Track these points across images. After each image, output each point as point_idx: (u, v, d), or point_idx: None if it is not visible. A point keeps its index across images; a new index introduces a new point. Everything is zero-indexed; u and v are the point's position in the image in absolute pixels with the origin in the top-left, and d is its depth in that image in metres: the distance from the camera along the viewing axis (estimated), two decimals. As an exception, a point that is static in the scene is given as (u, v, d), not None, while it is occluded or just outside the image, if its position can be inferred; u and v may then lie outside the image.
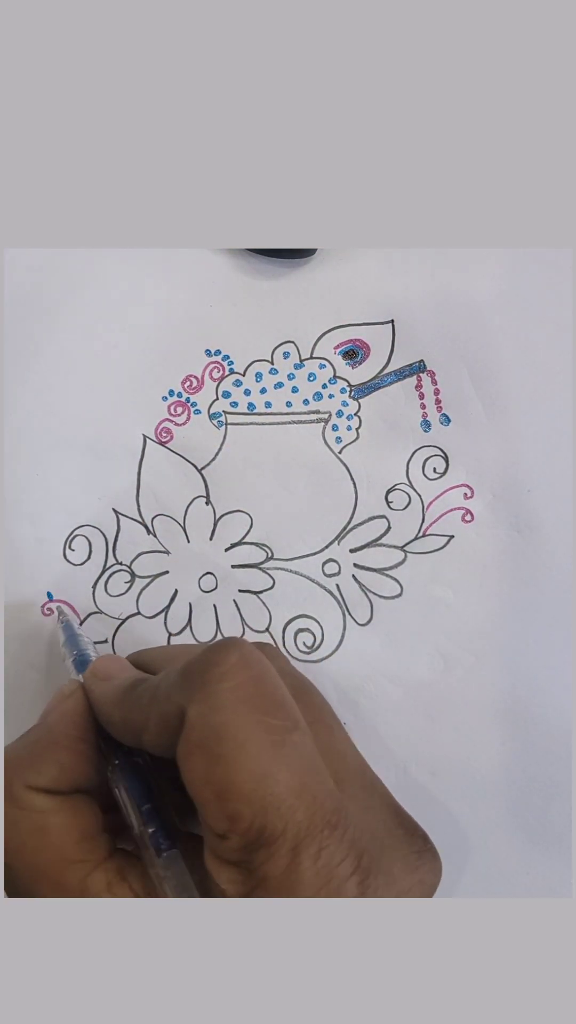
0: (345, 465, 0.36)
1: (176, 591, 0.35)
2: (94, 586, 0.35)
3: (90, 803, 0.27)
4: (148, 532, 0.36)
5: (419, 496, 0.36)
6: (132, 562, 0.35)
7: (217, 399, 0.36)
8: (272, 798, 0.22)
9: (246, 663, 0.24)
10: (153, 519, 0.36)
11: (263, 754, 0.22)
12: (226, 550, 0.36)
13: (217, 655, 0.24)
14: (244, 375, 0.36)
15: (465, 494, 0.36)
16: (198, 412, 0.36)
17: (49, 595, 0.35)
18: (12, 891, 0.25)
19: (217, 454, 0.36)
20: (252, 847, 0.22)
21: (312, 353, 0.37)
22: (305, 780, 0.23)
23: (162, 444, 0.36)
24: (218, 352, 0.37)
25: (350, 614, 0.36)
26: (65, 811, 0.26)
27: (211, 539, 0.36)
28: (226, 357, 0.37)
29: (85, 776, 0.27)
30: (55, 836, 0.25)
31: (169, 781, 0.26)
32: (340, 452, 0.36)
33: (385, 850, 0.24)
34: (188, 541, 0.36)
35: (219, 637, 0.35)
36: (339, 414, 0.37)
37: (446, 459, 0.36)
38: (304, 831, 0.22)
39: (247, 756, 0.22)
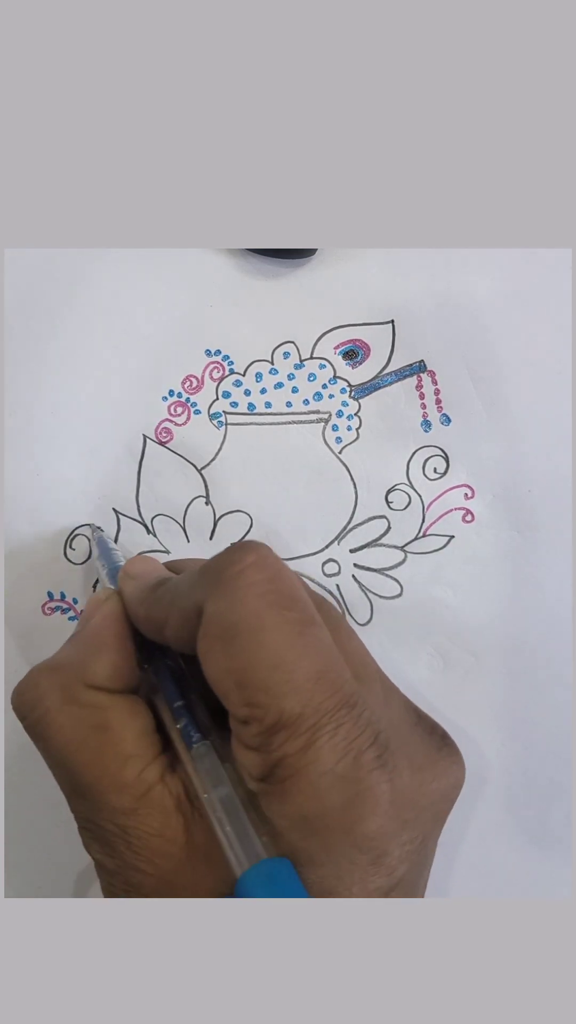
0: (345, 465, 0.36)
1: (176, 591, 0.35)
2: (94, 586, 0.35)
3: (141, 702, 0.27)
4: (148, 532, 0.36)
5: (419, 496, 0.36)
6: (132, 562, 0.35)
7: (217, 399, 0.36)
8: (289, 684, 0.22)
9: (264, 562, 0.24)
10: (153, 519, 0.36)
11: (280, 643, 0.23)
12: (226, 550, 0.36)
13: (235, 554, 0.24)
14: (244, 375, 0.36)
15: (465, 494, 0.36)
16: (198, 412, 0.36)
17: (49, 595, 0.35)
18: (69, 790, 0.26)
19: (217, 454, 0.36)
20: (272, 731, 0.22)
21: (312, 353, 0.37)
22: (322, 668, 0.23)
23: (162, 444, 0.36)
24: (218, 352, 0.37)
25: (350, 614, 0.36)
26: (121, 708, 0.26)
27: (211, 539, 0.36)
28: (226, 357, 0.37)
29: (134, 675, 0.27)
30: (114, 732, 0.26)
31: (200, 680, 0.27)
32: (340, 452, 0.36)
33: (405, 739, 0.25)
34: (188, 541, 0.36)
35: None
36: (339, 414, 0.37)
37: (446, 459, 0.36)
38: (322, 712, 0.22)
39: (264, 645, 0.23)
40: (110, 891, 0.25)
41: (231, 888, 0.23)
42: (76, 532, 0.35)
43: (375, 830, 0.22)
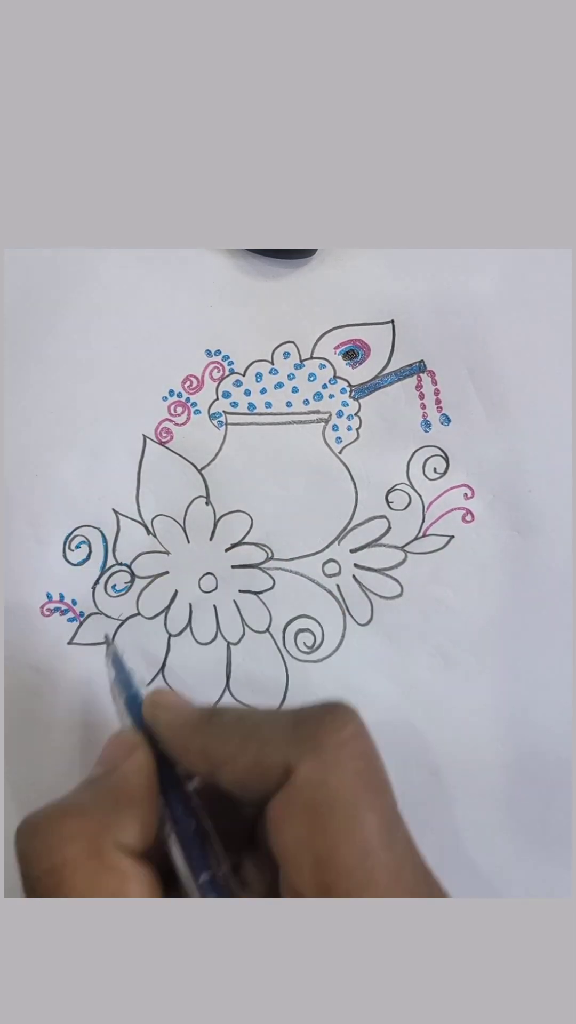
0: (345, 465, 0.36)
1: (176, 591, 0.35)
2: (94, 586, 0.35)
3: (156, 876, 0.24)
4: (148, 532, 0.36)
5: (419, 496, 0.36)
6: (132, 562, 0.35)
7: (217, 399, 0.36)
8: (371, 877, 0.21)
9: (361, 735, 0.23)
10: (153, 519, 0.36)
11: (372, 834, 0.21)
12: (226, 550, 0.36)
13: (336, 718, 0.23)
14: (244, 375, 0.36)
15: (465, 494, 0.36)
16: (198, 412, 0.36)
17: (48, 595, 0.35)
18: None
19: (217, 454, 0.36)
20: None
21: (312, 353, 0.37)
22: (405, 867, 0.22)
23: (162, 444, 0.36)
24: (218, 352, 0.37)
25: (350, 614, 0.36)
26: (141, 880, 0.24)
27: (211, 539, 0.36)
28: (226, 357, 0.37)
29: (155, 833, 0.25)
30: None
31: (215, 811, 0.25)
32: (340, 452, 0.36)
33: None
34: (188, 541, 0.36)
35: (219, 638, 0.35)
36: (339, 414, 0.37)
37: (446, 459, 0.36)
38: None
39: (357, 831, 0.21)
40: None
41: None
42: (76, 532, 0.35)
43: None
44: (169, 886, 0.25)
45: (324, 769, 0.22)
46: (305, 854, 0.22)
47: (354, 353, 0.37)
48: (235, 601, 0.35)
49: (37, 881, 0.23)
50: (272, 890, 0.24)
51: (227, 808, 0.26)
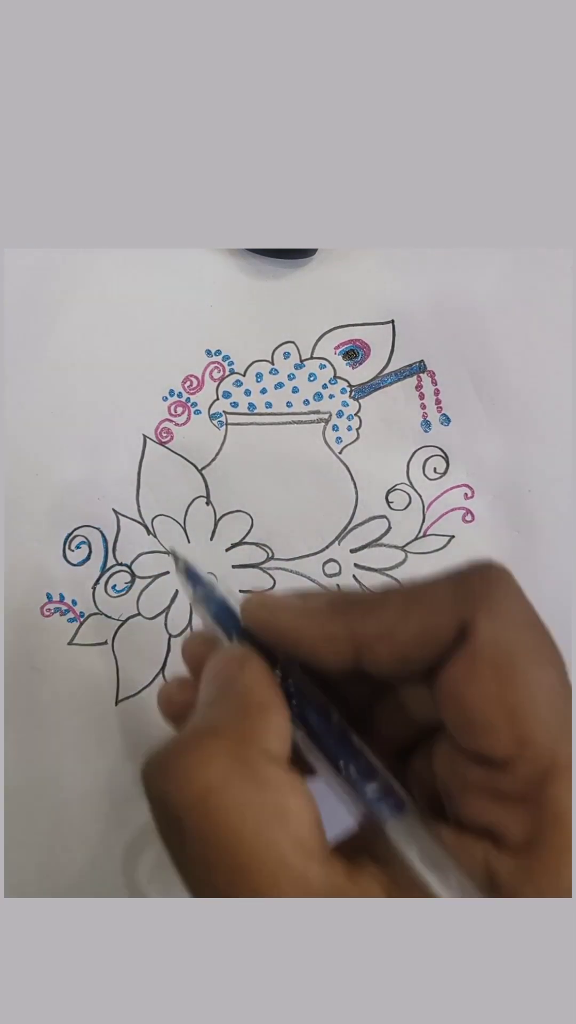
0: (345, 465, 0.36)
1: (176, 591, 0.35)
2: (94, 586, 0.35)
3: (306, 782, 0.22)
4: (148, 532, 0.36)
5: (419, 496, 0.36)
6: (132, 562, 0.35)
7: (217, 399, 0.36)
8: (566, 719, 0.20)
9: (520, 589, 0.22)
10: (153, 519, 0.36)
11: (555, 678, 0.21)
12: (227, 550, 0.36)
13: (495, 572, 0.22)
14: (244, 375, 0.36)
15: (465, 494, 0.36)
16: (198, 412, 0.36)
17: (48, 595, 0.35)
18: (222, 880, 0.20)
19: (217, 454, 0.36)
20: (543, 775, 0.20)
21: (312, 353, 0.37)
22: None
23: (162, 444, 0.36)
24: (218, 352, 0.37)
25: (350, 614, 0.36)
26: (301, 792, 0.21)
27: (212, 539, 0.36)
28: (226, 357, 0.37)
29: (291, 745, 0.22)
30: (295, 820, 0.20)
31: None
32: (340, 452, 0.36)
33: None
34: (188, 541, 0.36)
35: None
36: (339, 414, 0.37)
37: (446, 459, 0.36)
38: None
39: (543, 678, 0.20)
40: None
41: None
42: (76, 532, 0.35)
43: None
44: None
45: (503, 622, 0.21)
46: (498, 710, 0.20)
47: (354, 353, 0.37)
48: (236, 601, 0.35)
49: (182, 819, 0.20)
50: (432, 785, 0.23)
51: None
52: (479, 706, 0.20)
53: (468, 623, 0.21)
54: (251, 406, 0.36)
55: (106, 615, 0.35)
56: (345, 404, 0.37)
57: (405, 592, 0.22)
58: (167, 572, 0.35)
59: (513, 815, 0.20)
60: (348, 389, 0.37)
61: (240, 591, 0.35)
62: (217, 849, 0.20)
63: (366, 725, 0.24)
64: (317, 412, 0.37)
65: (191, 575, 0.27)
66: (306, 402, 0.37)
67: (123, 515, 0.36)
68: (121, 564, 0.35)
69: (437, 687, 0.21)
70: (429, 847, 0.21)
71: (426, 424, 0.37)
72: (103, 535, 0.35)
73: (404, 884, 0.21)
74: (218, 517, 0.36)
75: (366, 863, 0.21)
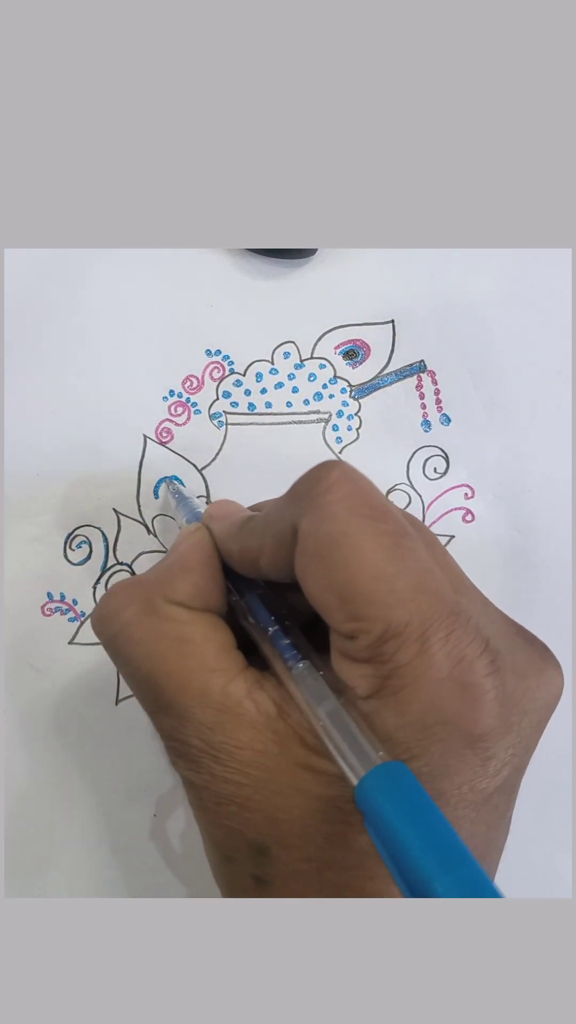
0: (345, 465, 0.36)
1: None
2: (95, 586, 0.35)
3: (222, 621, 0.27)
4: (149, 532, 0.36)
5: (419, 496, 0.36)
6: (133, 562, 0.35)
7: (217, 399, 0.36)
8: (393, 594, 0.22)
9: (350, 477, 0.24)
10: (153, 519, 0.36)
11: (378, 555, 0.23)
12: (226, 550, 0.36)
13: (320, 472, 0.24)
14: (244, 375, 0.36)
15: (465, 494, 0.36)
16: (198, 412, 0.36)
17: (49, 595, 0.35)
18: (151, 706, 0.26)
19: (217, 454, 0.36)
20: (380, 641, 0.22)
21: (312, 353, 0.37)
22: (423, 578, 0.23)
23: (162, 444, 0.36)
24: (218, 352, 0.37)
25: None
26: (202, 623, 0.26)
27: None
28: (226, 357, 0.37)
29: (215, 599, 0.27)
30: (196, 645, 0.25)
31: (292, 609, 0.27)
32: (340, 452, 0.36)
33: (509, 648, 0.25)
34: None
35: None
36: (339, 414, 0.37)
37: (446, 459, 0.36)
38: (429, 619, 0.22)
39: (363, 558, 0.23)
40: (200, 805, 0.25)
41: (341, 799, 0.23)
42: (76, 532, 0.35)
43: (488, 732, 0.23)
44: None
45: (318, 514, 0.23)
46: (329, 595, 0.23)
47: (354, 353, 0.37)
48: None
49: (110, 649, 0.26)
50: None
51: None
52: (314, 594, 0.23)
53: (296, 525, 0.24)
54: (251, 406, 0.36)
55: (106, 615, 0.35)
56: (345, 404, 0.37)
57: (264, 514, 0.26)
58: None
59: (361, 673, 0.23)
60: (348, 389, 0.37)
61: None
62: (138, 677, 0.26)
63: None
64: (317, 412, 0.37)
65: (175, 493, 0.34)
66: (306, 402, 0.37)
67: (123, 515, 0.36)
68: (122, 564, 0.35)
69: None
70: (318, 686, 0.24)
71: (426, 424, 0.37)
72: (104, 535, 0.35)
73: (293, 707, 0.24)
74: (218, 517, 0.36)
75: (269, 687, 0.25)
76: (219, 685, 0.25)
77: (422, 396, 0.37)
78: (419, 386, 0.37)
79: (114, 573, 0.35)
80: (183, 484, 0.35)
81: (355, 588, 0.22)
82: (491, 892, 0.19)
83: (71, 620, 0.35)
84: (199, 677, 0.25)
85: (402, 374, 0.37)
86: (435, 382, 0.37)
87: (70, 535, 0.35)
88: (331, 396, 0.37)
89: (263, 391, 0.37)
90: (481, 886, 0.19)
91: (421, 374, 0.37)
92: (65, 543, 0.35)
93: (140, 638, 0.26)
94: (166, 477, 0.36)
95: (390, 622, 0.22)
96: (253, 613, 0.27)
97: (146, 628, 0.26)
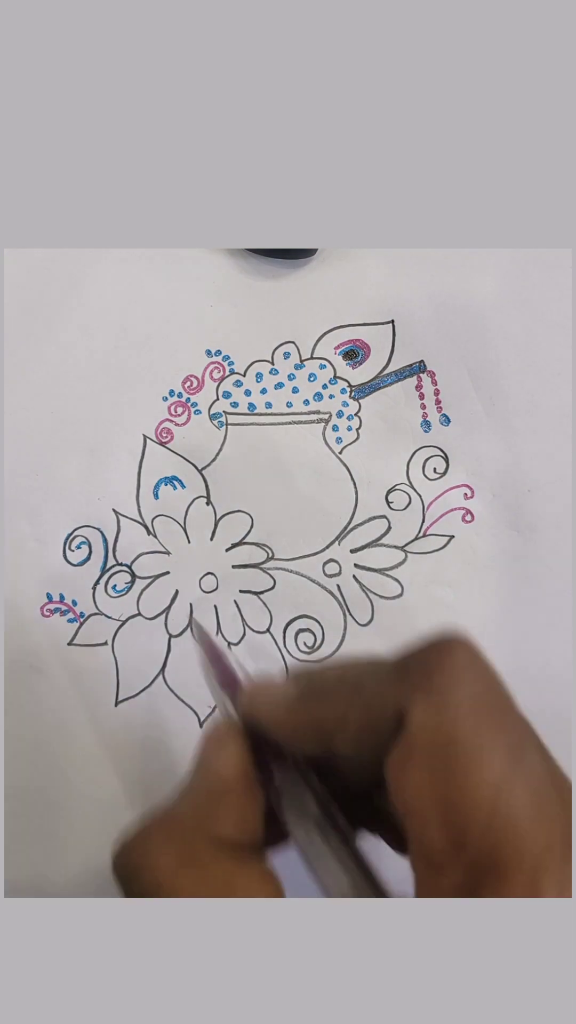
0: (345, 465, 0.36)
1: (177, 591, 0.35)
2: (94, 586, 0.35)
3: (271, 871, 0.23)
4: (148, 532, 0.36)
5: (419, 496, 0.36)
6: (132, 562, 0.35)
7: (217, 399, 0.36)
8: (509, 815, 0.19)
9: (475, 665, 0.21)
10: (153, 519, 0.36)
11: (500, 767, 0.19)
12: (227, 550, 0.36)
13: (443, 651, 0.21)
14: (244, 375, 0.36)
15: (465, 494, 0.36)
16: (198, 412, 0.36)
17: (48, 596, 0.35)
18: None
19: (217, 454, 0.36)
20: (481, 869, 0.19)
21: (312, 353, 0.37)
22: (542, 801, 0.20)
23: (162, 444, 0.36)
24: (218, 352, 0.37)
25: (351, 614, 0.36)
26: (251, 877, 0.22)
27: (212, 539, 0.36)
28: (226, 357, 0.37)
29: (260, 829, 0.23)
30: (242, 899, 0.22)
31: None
32: (340, 452, 0.36)
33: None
34: (189, 541, 0.36)
35: (220, 638, 0.35)
36: (339, 414, 0.37)
37: (446, 459, 0.36)
38: (543, 856, 0.19)
39: (483, 766, 0.19)
40: None
41: None
42: (76, 533, 0.35)
43: None
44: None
45: (437, 708, 0.20)
46: (430, 801, 0.20)
47: (354, 353, 0.37)
48: (235, 601, 0.35)
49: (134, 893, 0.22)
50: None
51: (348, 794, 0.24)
52: (413, 797, 0.20)
53: (404, 710, 0.20)
54: (251, 406, 0.36)
55: (106, 615, 0.35)
56: (345, 404, 0.37)
57: (351, 680, 0.22)
58: (167, 572, 0.35)
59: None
60: (348, 389, 0.37)
61: (240, 591, 0.35)
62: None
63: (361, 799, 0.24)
64: (317, 412, 0.37)
65: (202, 638, 0.28)
66: (306, 402, 0.37)
67: (123, 515, 0.36)
68: (121, 564, 0.35)
69: (386, 774, 0.21)
70: None
71: (426, 424, 0.37)
72: (103, 535, 0.35)
73: None
74: (218, 517, 0.36)
75: None
76: None
77: (422, 396, 0.37)
78: (419, 386, 0.37)
79: (114, 574, 0.35)
80: (205, 629, 0.31)
81: (465, 797, 0.19)
82: None
83: (71, 621, 0.35)
84: None
85: (402, 374, 0.37)
86: (435, 382, 0.37)
87: (70, 535, 0.35)
88: (331, 396, 0.37)
89: (263, 391, 0.37)
90: None
91: (421, 374, 0.37)
92: (65, 543, 0.35)
93: (179, 892, 0.22)
94: (166, 478, 0.36)
95: (497, 846, 0.19)
96: (298, 827, 0.23)
97: (187, 884, 0.22)
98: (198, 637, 0.28)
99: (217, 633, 0.35)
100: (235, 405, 0.36)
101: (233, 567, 0.36)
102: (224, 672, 0.27)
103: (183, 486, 0.36)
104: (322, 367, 0.37)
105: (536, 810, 0.19)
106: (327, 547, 0.36)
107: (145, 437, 0.36)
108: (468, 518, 0.36)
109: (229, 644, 0.35)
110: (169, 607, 0.35)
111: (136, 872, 0.22)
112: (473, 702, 0.20)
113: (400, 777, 0.20)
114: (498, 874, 0.19)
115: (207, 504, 0.36)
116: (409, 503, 0.36)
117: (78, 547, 0.35)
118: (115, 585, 0.35)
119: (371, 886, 0.21)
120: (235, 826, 0.22)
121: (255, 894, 0.21)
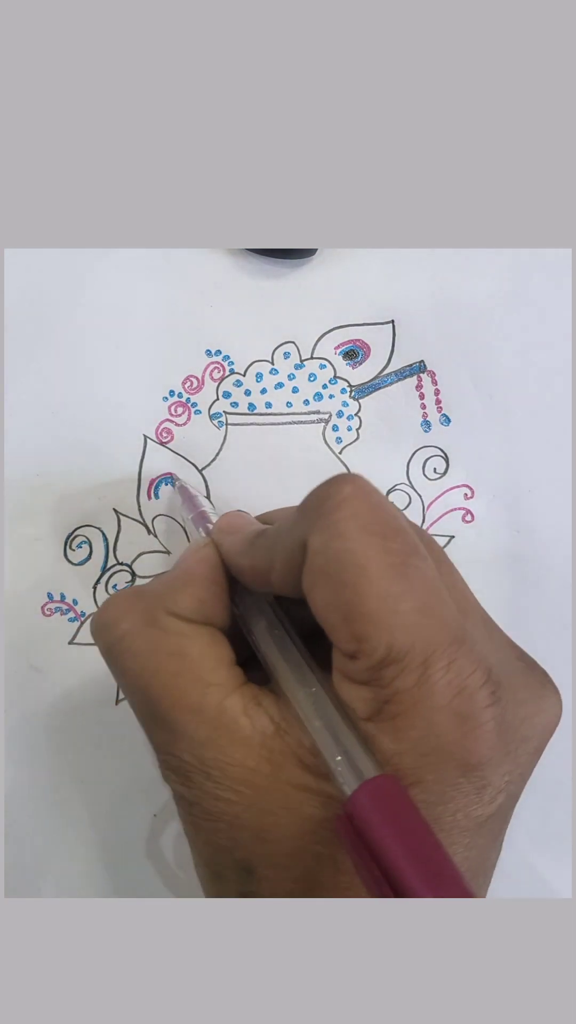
0: (345, 465, 0.36)
1: (176, 591, 0.35)
2: (95, 586, 0.35)
3: (221, 635, 0.27)
4: (149, 532, 0.36)
5: (419, 496, 0.36)
6: (133, 562, 0.35)
7: (217, 399, 0.36)
8: (397, 616, 0.22)
9: (363, 492, 0.24)
10: (154, 519, 0.36)
11: (386, 576, 0.22)
12: (226, 550, 0.36)
13: (332, 487, 0.24)
14: (244, 375, 0.37)
15: (465, 494, 0.36)
16: (198, 412, 0.36)
17: (49, 595, 0.35)
18: (145, 719, 0.26)
19: (218, 454, 0.36)
20: (381, 664, 0.22)
21: (312, 353, 0.37)
22: (429, 601, 0.23)
23: (163, 444, 0.36)
24: (218, 352, 0.37)
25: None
26: (201, 637, 0.26)
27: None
28: (226, 357, 0.37)
29: (218, 614, 0.27)
30: (193, 659, 0.25)
31: (298, 627, 0.27)
32: (340, 452, 0.36)
33: (509, 674, 0.25)
34: (189, 541, 0.36)
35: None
36: (339, 414, 0.37)
37: (446, 459, 0.36)
38: (432, 646, 0.22)
39: (370, 578, 0.22)
40: (190, 821, 0.25)
41: (331, 810, 0.23)
42: (76, 532, 0.35)
43: (484, 762, 0.23)
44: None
45: (328, 531, 0.23)
46: (333, 613, 0.23)
47: (354, 353, 0.37)
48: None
49: (107, 657, 0.26)
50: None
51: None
52: (320, 611, 0.23)
53: (306, 540, 0.23)
54: (251, 406, 0.36)
55: (106, 615, 0.35)
56: (345, 404, 0.37)
57: (279, 524, 0.26)
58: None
59: (361, 695, 0.23)
60: (348, 389, 0.37)
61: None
62: (134, 687, 0.26)
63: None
64: (317, 412, 0.37)
65: (182, 489, 0.34)
66: (306, 402, 0.37)
67: (124, 515, 0.36)
68: (122, 564, 0.35)
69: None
70: (319, 698, 0.24)
71: (426, 424, 0.37)
72: (104, 535, 0.35)
73: (291, 725, 0.24)
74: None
75: (268, 703, 0.25)
76: (214, 700, 0.24)
77: (422, 396, 0.37)
78: (419, 386, 0.37)
79: (114, 573, 0.35)
80: (184, 482, 0.35)
81: (360, 608, 0.22)
82: None
83: (71, 620, 0.35)
84: (194, 692, 0.25)
85: (402, 374, 0.37)
86: (435, 382, 0.37)
87: (70, 535, 0.35)
88: (331, 396, 0.37)
89: (263, 391, 0.37)
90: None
91: (421, 374, 0.37)
92: (65, 543, 0.35)
93: (137, 649, 0.25)
94: (166, 478, 0.36)
95: (392, 646, 0.22)
96: (256, 627, 0.27)
97: (144, 639, 0.25)
98: (177, 488, 0.34)
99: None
100: (235, 405, 0.36)
101: (233, 567, 0.36)
102: (199, 515, 0.32)
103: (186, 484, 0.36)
104: (322, 367, 0.37)
105: (424, 611, 0.22)
106: (327, 547, 0.36)
107: (145, 437, 0.36)
108: (468, 518, 0.36)
109: None
110: (169, 607, 0.35)
111: (107, 628, 0.26)
112: (359, 526, 0.23)
113: (310, 597, 0.23)
114: (395, 665, 0.22)
115: (209, 501, 0.36)
116: (409, 503, 0.36)
117: (78, 547, 0.35)
118: (115, 585, 0.35)
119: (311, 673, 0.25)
120: (189, 608, 0.26)
121: (205, 655, 0.25)
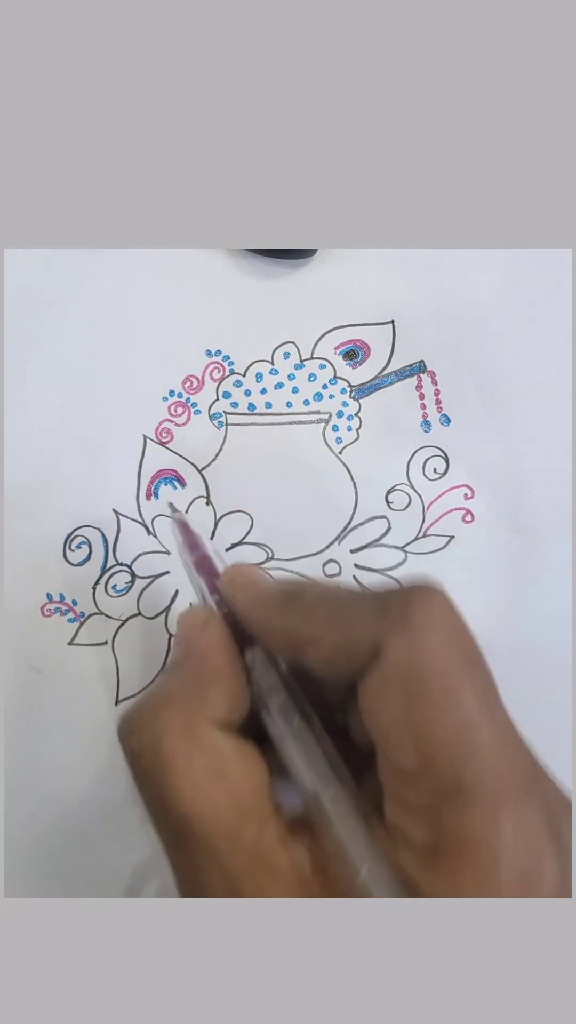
0: (345, 465, 0.36)
1: (177, 591, 0.35)
2: (94, 586, 0.35)
3: (258, 753, 0.24)
4: (148, 532, 0.36)
5: (419, 496, 0.36)
6: (133, 562, 0.35)
7: (217, 399, 0.36)
8: (474, 747, 0.21)
9: (450, 608, 0.22)
10: (153, 520, 0.36)
11: (469, 706, 0.21)
12: (227, 550, 0.36)
13: (417, 594, 0.22)
14: (244, 375, 0.36)
15: (465, 494, 0.36)
16: (198, 412, 0.36)
17: (48, 595, 0.35)
18: (172, 839, 0.23)
19: (217, 454, 0.36)
20: (444, 793, 0.21)
21: (312, 353, 0.37)
22: (507, 741, 0.21)
23: (162, 444, 0.36)
24: (218, 352, 0.37)
25: (350, 614, 0.36)
26: (241, 757, 0.24)
27: (211, 539, 0.36)
28: (226, 357, 0.37)
29: (247, 701, 0.25)
30: (233, 781, 0.23)
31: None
32: (340, 452, 0.36)
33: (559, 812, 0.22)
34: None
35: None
36: (339, 414, 0.37)
37: (446, 459, 0.36)
38: (503, 788, 0.20)
39: (452, 702, 0.21)
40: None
41: None
42: (76, 532, 0.35)
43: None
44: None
45: (414, 645, 0.21)
46: (403, 732, 0.21)
47: (354, 353, 0.37)
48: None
49: (144, 772, 0.24)
50: (359, 776, 0.24)
51: (313, 695, 0.25)
52: (386, 726, 0.22)
53: (381, 642, 0.22)
54: (251, 406, 0.36)
55: (106, 615, 0.35)
56: (345, 404, 0.37)
57: (334, 602, 0.24)
58: (167, 572, 0.35)
59: (417, 824, 0.21)
60: (348, 389, 0.37)
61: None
62: (166, 805, 0.23)
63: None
64: (317, 412, 0.37)
65: (181, 527, 0.30)
66: (306, 402, 0.37)
67: (123, 515, 0.36)
68: (121, 564, 0.35)
69: (358, 697, 0.22)
70: (355, 828, 0.22)
71: (426, 424, 0.37)
72: (103, 535, 0.35)
73: (333, 859, 0.22)
74: (218, 517, 0.36)
75: (303, 834, 0.23)
76: (252, 831, 0.22)
77: (422, 396, 0.37)
78: (419, 386, 0.37)
79: (114, 574, 0.35)
80: (184, 515, 0.33)
81: (434, 729, 0.21)
82: None
83: (71, 620, 0.35)
84: (234, 820, 0.22)
85: (402, 374, 0.37)
86: (435, 382, 0.37)
87: (70, 535, 0.35)
88: (331, 396, 0.37)
89: (263, 391, 0.37)
90: None
91: (421, 374, 0.37)
92: (65, 543, 0.35)
93: (182, 770, 0.23)
94: (166, 478, 0.36)
95: (462, 774, 0.20)
96: (271, 704, 0.24)
97: (183, 754, 0.23)
98: (175, 522, 0.31)
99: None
100: (235, 405, 0.36)
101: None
102: (200, 558, 0.29)
103: (183, 486, 0.36)
104: (322, 367, 0.37)
105: (500, 748, 0.21)
106: (327, 547, 0.36)
107: (145, 437, 0.36)
108: (468, 518, 0.36)
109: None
110: (169, 607, 0.35)
111: (149, 747, 0.23)
112: (447, 645, 0.21)
113: (375, 703, 0.22)
114: (461, 798, 0.20)
115: (207, 504, 0.36)
116: (409, 503, 0.36)
117: (78, 547, 0.35)
118: (115, 585, 0.35)
119: (332, 770, 0.23)
120: (227, 709, 0.24)
121: (245, 778, 0.23)
